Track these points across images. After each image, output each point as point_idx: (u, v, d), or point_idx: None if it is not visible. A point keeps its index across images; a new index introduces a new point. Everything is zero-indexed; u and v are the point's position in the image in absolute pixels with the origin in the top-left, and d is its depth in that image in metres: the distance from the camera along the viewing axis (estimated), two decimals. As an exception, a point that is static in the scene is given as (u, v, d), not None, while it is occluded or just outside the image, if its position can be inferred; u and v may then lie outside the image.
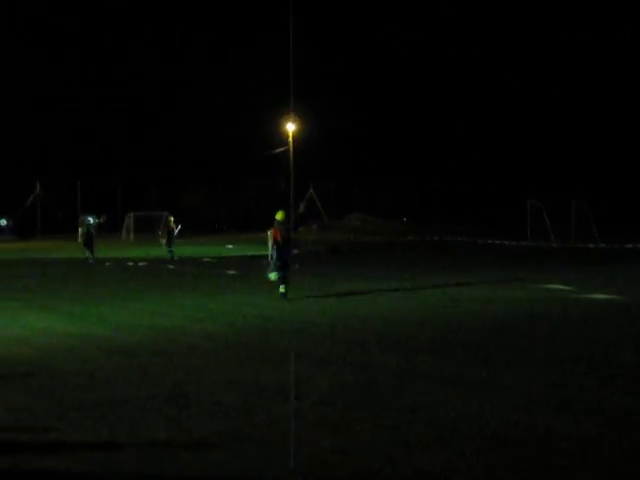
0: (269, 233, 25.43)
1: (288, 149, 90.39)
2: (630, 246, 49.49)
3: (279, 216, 25.19)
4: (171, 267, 38.20)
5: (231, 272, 34.41)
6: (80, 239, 69.90)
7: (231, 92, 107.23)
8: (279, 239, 24.54)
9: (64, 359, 14.05)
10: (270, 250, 24.86)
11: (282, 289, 24.08)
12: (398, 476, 7.83)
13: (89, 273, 36.40)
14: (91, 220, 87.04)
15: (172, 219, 50.99)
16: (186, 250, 55.33)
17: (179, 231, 49.40)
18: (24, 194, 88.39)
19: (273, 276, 24.43)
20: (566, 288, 25.15)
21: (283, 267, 24.33)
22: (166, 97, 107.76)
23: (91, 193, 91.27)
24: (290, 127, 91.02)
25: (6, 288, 28.56)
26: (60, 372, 12.85)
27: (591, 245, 53.91)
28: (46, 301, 23.99)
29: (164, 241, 47.74)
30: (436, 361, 13.24)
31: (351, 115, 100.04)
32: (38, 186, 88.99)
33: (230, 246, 60.66)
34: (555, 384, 11.48)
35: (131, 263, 42.59)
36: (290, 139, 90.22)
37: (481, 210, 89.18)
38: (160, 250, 53.65)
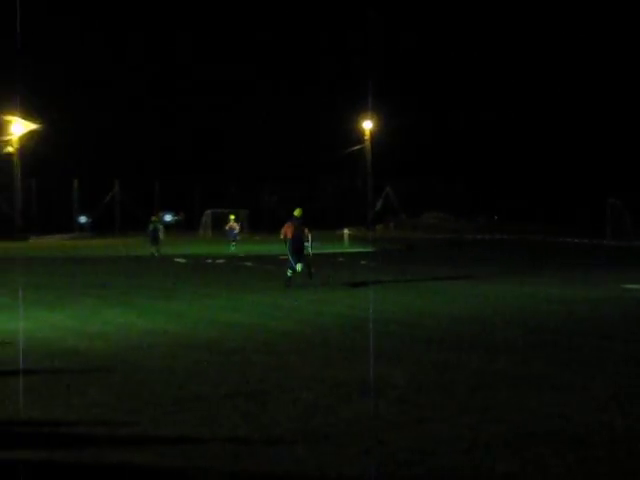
0: (284, 228, 27.83)
1: (365, 147, 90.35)
2: None
3: (297, 213, 27.93)
4: (248, 264, 38.38)
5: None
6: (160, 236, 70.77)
7: (309, 90, 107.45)
8: (289, 235, 27.29)
9: (143, 355, 14.18)
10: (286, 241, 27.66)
11: (298, 268, 27.07)
12: (476, 476, 7.76)
13: (167, 269, 36.71)
14: (168, 217, 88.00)
15: (233, 217, 52.00)
16: (263, 248, 55.57)
17: (240, 229, 50.40)
18: (103, 192, 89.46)
19: (299, 267, 27.13)
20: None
21: (299, 258, 27.18)
22: (244, 96, 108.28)
23: (170, 191, 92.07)
24: (367, 125, 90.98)
25: (86, 284, 28.92)
26: (140, 367, 12.97)
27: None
28: (125, 297, 24.24)
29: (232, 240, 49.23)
30: (516, 361, 13.10)
31: (429, 112, 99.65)
32: (117, 184, 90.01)
33: (307, 243, 60.66)
34: (636, 386, 11.30)
35: (209, 260, 42.86)
36: (367, 137, 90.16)
37: (559, 208, 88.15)
38: (237, 247, 54.02)
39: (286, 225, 27.78)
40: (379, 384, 11.43)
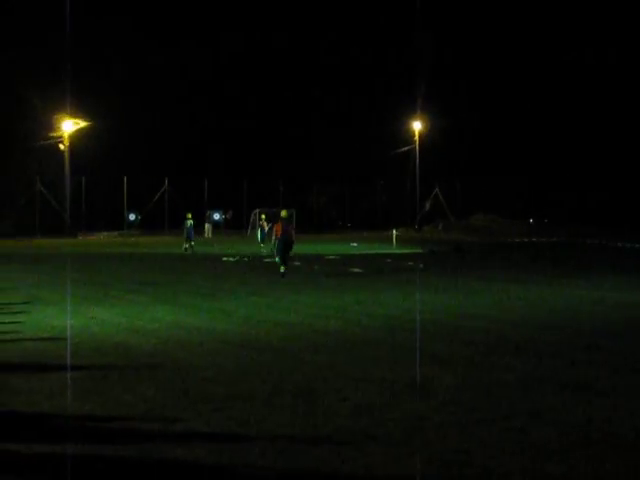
0: (274, 227, 32.26)
1: (414, 148, 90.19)
2: None
3: (283, 214, 32.54)
4: (297, 264, 38.42)
5: (355, 270, 34.45)
6: (207, 235, 71.12)
7: (357, 91, 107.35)
8: (279, 233, 31.06)
9: (192, 352, 14.26)
10: (273, 239, 31.98)
11: (282, 269, 30.79)
12: (524, 479, 7.72)
13: (215, 268, 36.86)
14: (217, 216, 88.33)
15: (264, 217, 52.70)
16: (311, 248, 55.63)
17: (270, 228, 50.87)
18: (153, 190, 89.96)
19: (277, 259, 31.33)
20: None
21: (283, 253, 30.97)
22: (293, 95, 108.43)
23: (218, 189, 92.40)
24: (416, 126, 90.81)
25: (134, 282, 29.11)
26: (188, 365, 13.05)
27: None
28: (173, 295, 24.37)
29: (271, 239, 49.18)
30: (564, 365, 13.03)
31: (479, 113, 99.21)
32: (167, 182, 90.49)
33: (355, 244, 60.69)
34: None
35: (256, 259, 42.96)
36: (416, 138, 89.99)
37: (613, 211, 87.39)
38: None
39: (275, 225, 32.06)
40: (427, 385, 11.43)
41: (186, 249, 50.40)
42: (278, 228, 31.17)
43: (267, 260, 41.27)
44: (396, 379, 11.89)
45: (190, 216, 51.65)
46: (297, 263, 38.87)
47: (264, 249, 49.09)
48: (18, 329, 17.03)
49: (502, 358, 13.66)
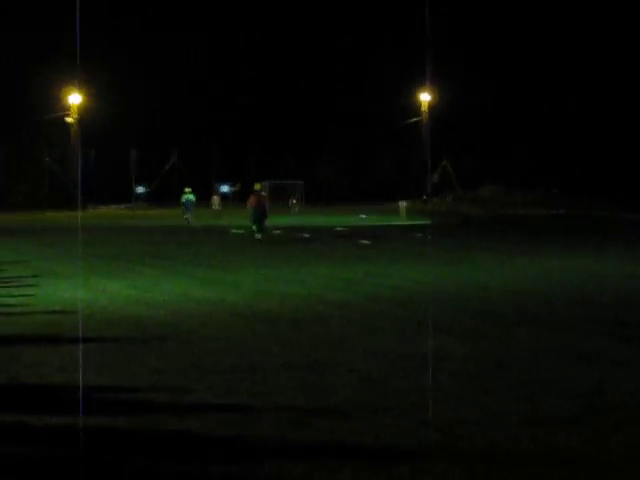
0: (249, 198, 36.71)
1: (422, 119, 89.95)
2: None
3: (257, 186, 37.55)
4: (306, 236, 38.47)
5: (364, 242, 34.46)
6: (214, 207, 71.30)
7: (368, 63, 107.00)
8: (254, 203, 35.54)
9: (202, 324, 14.30)
10: (249, 209, 36.33)
11: (257, 236, 34.60)
12: (534, 450, 7.75)
13: (223, 241, 36.91)
14: (225, 188, 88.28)
15: (263, 193, 53.67)
16: (319, 219, 55.67)
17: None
18: (161, 163, 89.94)
19: (254, 227, 35.14)
20: None
21: (258, 221, 35.03)
22: (300, 66, 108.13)
23: (226, 162, 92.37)
24: (425, 97, 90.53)
25: (143, 254, 29.18)
26: (198, 336, 13.09)
27: None
28: (182, 267, 24.42)
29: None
30: (574, 336, 13.04)
31: (487, 84, 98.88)
32: (175, 155, 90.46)
33: (363, 216, 60.69)
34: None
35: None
36: (425, 109, 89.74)
37: (624, 183, 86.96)
38: (294, 218, 54.24)
39: (251, 196, 36.47)
40: (436, 357, 11.44)
41: (187, 220, 52.83)
42: (253, 199, 35.86)
43: (275, 232, 41.30)
44: (405, 351, 11.92)
45: (189, 190, 53.45)
46: (306, 235, 38.90)
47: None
48: (29, 302, 17.09)
49: (512, 329, 13.67)
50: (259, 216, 35.16)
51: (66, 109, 79.22)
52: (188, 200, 53.99)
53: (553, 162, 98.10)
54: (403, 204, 62.37)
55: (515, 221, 54.61)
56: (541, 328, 13.73)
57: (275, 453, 7.72)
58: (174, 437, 8.19)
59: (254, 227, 35.20)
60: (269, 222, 50.52)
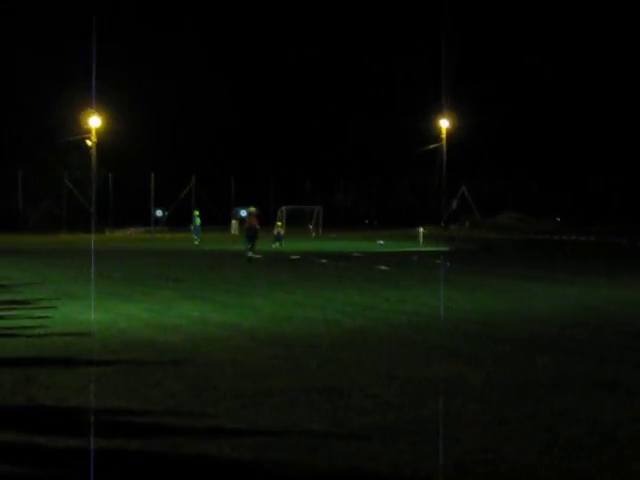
0: (246, 220, 41.34)
1: (441, 146, 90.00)
2: None
3: (252, 209, 40.69)
4: (323, 261, 38.42)
5: (382, 267, 34.41)
6: (233, 232, 71.46)
7: (383, 87, 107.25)
8: (246, 225, 40.26)
9: (219, 348, 14.26)
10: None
11: (249, 254, 38.36)
12: (553, 477, 7.68)
13: (241, 265, 36.91)
14: (243, 213, 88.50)
15: (279, 223, 55.42)
16: (337, 245, 55.67)
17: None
18: (180, 186, 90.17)
19: (247, 247, 38.88)
20: None
21: (250, 241, 38.87)
22: (319, 92, 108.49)
23: (245, 187, 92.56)
24: (444, 124, 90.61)
25: (161, 277, 29.19)
26: (215, 360, 13.05)
27: None
28: (199, 291, 24.41)
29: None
30: (593, 364, 12.95)
31: (505, 111, 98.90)
32: (194, 179, 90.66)
33: (381, 242, 60.64)
34: None
35: (283, 256, 42.99)
36: (443, 135, 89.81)
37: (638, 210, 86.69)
38: (312, 244, 54.31)
39: (247, 219, 40.80)
40: (454, 383, 11.38)
41: (194, 240, 55.93)
42: (249, 221, 40.06)
43: (293, 257, 41.30)
44: (423, 377, 11.85)
45: (197, 213, 56.11)
46: (323, 260, 38.88)
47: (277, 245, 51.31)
48: (46, 324, 17.10)
49: (529, 356, 13.58)
50: (251, 236, 38.93)
51: (86, 132, 79.64)
52: (196, 223, 56.62)
53: (570, 190, 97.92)
54: (421, 230, 62.30)
55: (534, 248, 54.45)
56: (559, 355, 13.63)
57: (292, 478, 7.67)
58: (189, 461, 8.15)
59: (247, 247, 38.94)
60: (286, 247, 50.78)
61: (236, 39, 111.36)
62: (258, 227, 39.46)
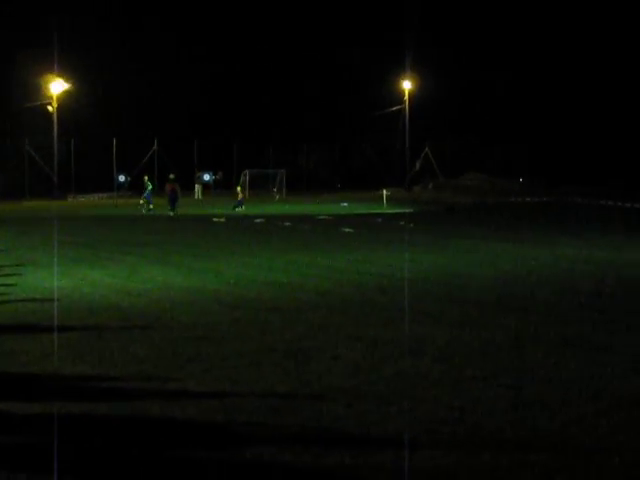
0: (166, 186, 50.81)
1: (403, 108, 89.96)
2: None
3: (171, 176, 50.90)
4: (287, 224, 38.40)
5: (347, 230, 34.44)
6: (197, 196, 71.26)
7: (346, 49, 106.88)
8: (168, 190, 49.64)
9: (183, 312, 14.26)
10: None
11: (170, 214, 47.52)
12: (517, 435, 7.76)
13: (205, 229, 36.85)
14: (206, 177, 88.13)
15: (239, 188, 55.77)
16: (302, 208, 55.66)
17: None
18: (142, 151, 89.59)
19: (169, 208, 48.68)
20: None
21: (172, 203, 48.84)
22: (281, 54, 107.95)
23: (208, 150, 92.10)
24: (406, 85, 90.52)
25: (124, 243, 29.10)
26: (180, 324, 13.05)
27: None
28: (164, 256, 24.35)
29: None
30: (555, 323, 13.06)
31: (467, 72, 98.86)
32: (156, 142, 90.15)
33: (345, 204, 60.65)
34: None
35: (246, 220, 42.94)
36: (406, 97, 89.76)
37: (607, 171, 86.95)
38: (276, 207, 54.30)
39: (167, 184, 50.43)
40: (418, 343, 11.45)
41: (142, 208, 54.62)
42: (169, 187, 49.97)
43: (257, 221, 41.26)
44: (388, 338, 11.91)
45: (147, 178, 57.38)
46: (287, 223, 38.86)
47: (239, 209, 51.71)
48: (9, 291, 17.01)
49: (494, 316, 13.68)
50: (172, 199, 49.01)
51: (47, 97, 78.86)
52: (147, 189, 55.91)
53: (535, 151, 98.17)
54: (385, 192, 62.33)
55: (498, 209, 54.67)
56: (520, 314, 13.74)
57: (258, 440, 7.70)
58: (155, 424, 8.17)
59: (169, 208, 48.79)
60: (249, 210, 50.81)
61: (201, 3, 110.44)
62: (178, 191, 49.78)
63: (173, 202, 49.15)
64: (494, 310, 14.29)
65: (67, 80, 79.48)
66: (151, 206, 53.74)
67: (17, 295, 16.43)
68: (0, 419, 8.40)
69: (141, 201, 56.10)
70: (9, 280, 18.75)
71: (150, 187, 56.05)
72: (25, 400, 9.05)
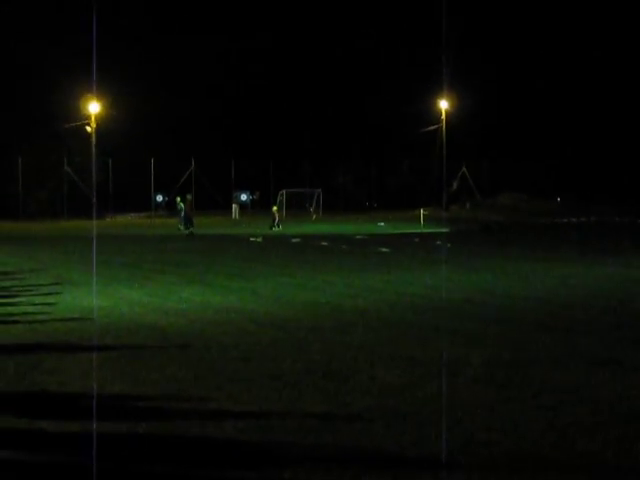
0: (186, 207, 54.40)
1: (440, 127, 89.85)
2: None
3: (188, 197, 55.14)
4: (324, 244, 38.44)
5: (383, 249, 34.42)
6: (234, 216, 71.36)
7: (382, 69, 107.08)
8: (187, 210, 53.50)
9: (221, 332, 14.28)
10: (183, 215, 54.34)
11: (186, 232, 50.67)
12: (555, 456, 7.70)
13: (242, 249, 36.94)
14: (243, 197, 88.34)
15: (275, 208, 55.89)
16: (338, 228, 55.69)
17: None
18: (180, 171, 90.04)
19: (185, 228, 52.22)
20: None
21: (189, 222, 52.37)
22: (321, 75, 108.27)
23: (245, 170, 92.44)
24: (443, 105, 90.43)
25: (162, 262, 29.21)
26: (218, 344, 13.06)
27: None
28: (201, 275, 24.42)
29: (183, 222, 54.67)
30: (595, 343, 12.96)
31: (506, 92, 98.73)
32: (193, 163, 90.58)
33: (382, 224, 60.66)
34: None
35: (283, 240, 43.00)
36: (443, 117, 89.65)
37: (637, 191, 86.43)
38: (313, 227, 54.36)
39: (186, 205, 53.80)
40: (456, 364, 11.40)
41: (179, 229, 54.27)
42: (189, 206, 54.16)
43: (294, 240, 41.31)
44: (425, 358, 11.87)
45: (179, 199, 57.32)
46: (324, 243, 38.88)
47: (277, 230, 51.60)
48: (48, 310, 17.11)
49: (531, 336, 13.60)
50: (189, 218, 52.84)
51: (85, 118, 79.50)
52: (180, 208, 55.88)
53: (572, 170, 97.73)
54: (422, 212, 62.26)
55: (536, 228, 54.42)
56: (559, 335, 13.65)
57: (295, 460, 7.69)
58: (193, 444, 8.17)
59: (188, 227, 52.13)
60: (286, 230, 50.87)
61: (235, 22, 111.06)
62: (193, 211, 54.40)
63: (189, 221, 53.20)
64: (532, 330, 14.20)
65: (105, 101, 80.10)
66: (181, 227, 54.13)
67: (56, 314, 16.52)
68: (38, 438, 8.44)
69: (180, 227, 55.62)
70: (48, 299, 18.86)
71: (179, 207, 56.49)
72: (63, 419, 9.10)
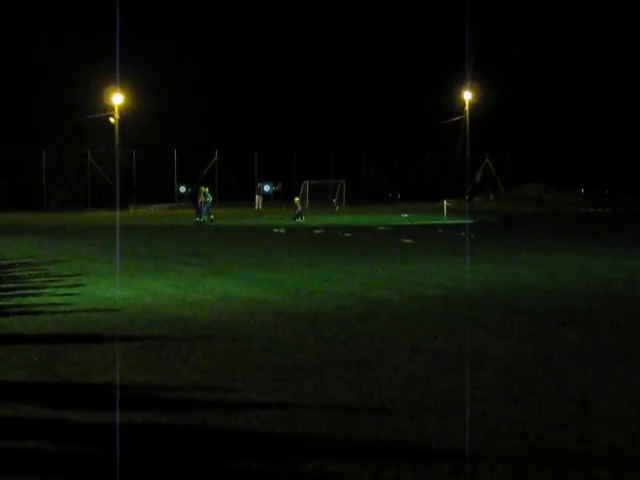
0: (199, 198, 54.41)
1: (464, 118, 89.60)
2: None
3: (205, 189, 54.26)
4: (347, 235, 38.41)
5: (407, 240, 34.37)
6: (257, 207, 71.42)
7: (407, 60, 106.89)
8: (202, 200, 53.21)
9: (245, 323, 14.30)
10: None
11: (197, 220, 51.78)
12: (580, 450, 7.66)
13: (265, 240, 36.96)
14: (266, 188, 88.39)
15: (297, 199, 55.53)
16: (361, 219, 55.65)
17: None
18: (203, 162, 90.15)
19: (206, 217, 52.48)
20: None
21: (200, 211, 52.68)
22: (344, 67, 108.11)
23: (269, 161, 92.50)
24: (467, 96, 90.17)
25: (186, 253, 29.24)
26: (241, 335, 13.08)
27: None
28: (225, 266, 24.45)
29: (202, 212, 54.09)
30: (620, 336, 12.89)
31: (529, 83, 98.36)
32: (216, 154, 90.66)
33: (405, 215, 60.52)
34: None
35: (306, 231, 43.00)
36: (466, 107, 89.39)
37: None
38: (336, 217, 54.37)
39: (202, 194, 53.45)
40: (480, 356, 11.37)
41: (197, 221, 53.13)
42: (199, 198, 53.71)
43: (317, 231, 41.30)
44: (449, 350, 11.85)
45: (207, 190, 55.69)
46: (347, 234, 38.85)
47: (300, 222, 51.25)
48: (72, 301, 17.18)
49: (557, 328, 13.55)
50: (199, 208, 53.07)
51: (109, 109, 79.70)
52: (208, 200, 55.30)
53: (597, 161, 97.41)
54: (446, 203, 62.11)
55: (560, 220, 54.19)
56: (584, 327, 13.58)
57: (319, 451, 7.70)
58: (217, 435, 8.20)
59: (199, 216, 52.64)
60: (309, 221, 50.88)
61: (261, 15, 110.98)
62: (204, 201, 53.25)
63: (200, 211, 53.19)
64: (557, 322, 14.14)
65: (128, 92, 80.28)
66: (212, 217, 53.80)
67: (80, 305, 16.59)
68: (63, 428, 8.48)
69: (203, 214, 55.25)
70: (72, 290, 18.93)
71: (210, 198, 55.80)
72: (87, 409, 9.13)
